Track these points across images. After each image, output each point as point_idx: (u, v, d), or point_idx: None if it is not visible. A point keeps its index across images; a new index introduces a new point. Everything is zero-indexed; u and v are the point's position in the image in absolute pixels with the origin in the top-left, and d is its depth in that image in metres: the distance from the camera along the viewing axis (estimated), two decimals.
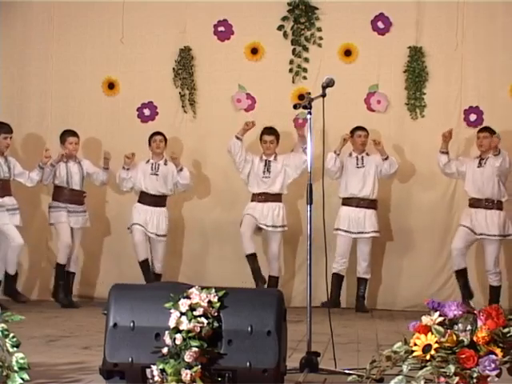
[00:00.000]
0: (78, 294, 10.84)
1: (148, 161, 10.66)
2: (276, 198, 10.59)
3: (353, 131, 10.42)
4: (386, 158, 10.36)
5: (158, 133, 10.61)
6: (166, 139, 10.62)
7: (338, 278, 10.41)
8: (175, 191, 10.74)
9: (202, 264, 10.93)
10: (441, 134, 10.23)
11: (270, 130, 10.54)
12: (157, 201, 10.64)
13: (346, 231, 10.42)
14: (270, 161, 10.57)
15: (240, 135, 10.40)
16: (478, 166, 10.31)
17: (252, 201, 10.57)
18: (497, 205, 10.27)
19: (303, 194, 6.51)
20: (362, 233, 10.43)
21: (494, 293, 10.14)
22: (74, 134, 10.48)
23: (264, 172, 10.57)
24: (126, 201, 10.85)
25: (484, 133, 10.27)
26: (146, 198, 10.62)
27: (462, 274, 10.24)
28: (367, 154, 10.51)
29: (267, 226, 10.49)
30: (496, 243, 10.15)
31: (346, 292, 10.55)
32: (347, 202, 10.49)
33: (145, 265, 10.54)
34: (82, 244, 10.72)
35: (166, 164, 10.66)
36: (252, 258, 10.44)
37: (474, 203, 10.30)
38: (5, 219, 10.00)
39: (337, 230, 10.38)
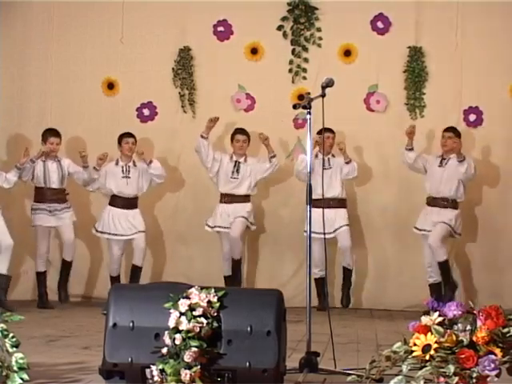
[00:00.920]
0: (81, 294, 10.87)
1: (117, 163, 10.62)
2: (244, 198, 10.62)
3: (319, 133, 10.42)
4: (348, 162, 10.39)
5: (131, 134, 10.53)
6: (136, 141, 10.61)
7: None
8: (150, 187, 10.69)
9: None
10: (405, 131, 10.31)
11: (242, 130, 10.59)
12: (130, 203, 10.60)
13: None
14: (239, 162, 10.58)
15: (205, 134, 10.41)
16: (439, 166, 10.37)
17: (220, 201, 10.61)
18: (452, 204, 10.34)
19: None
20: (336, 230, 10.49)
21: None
22: (56, 134, 10.39)
23: (233, 173, 10.58)
24: None
25: (449, 133, 10.32)
26: (119, 201, 10.57)
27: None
28: (333, 156, 10.53)
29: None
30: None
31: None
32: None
33: (116, 280, 10.54)
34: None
35: (135, 165, 10.62)
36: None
37: (431, 202, 10.37)
38: None
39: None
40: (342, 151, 10.37)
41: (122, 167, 10.57)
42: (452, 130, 10.32)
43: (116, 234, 10.50)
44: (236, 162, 10.62)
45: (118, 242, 10.55)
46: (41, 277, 10.46)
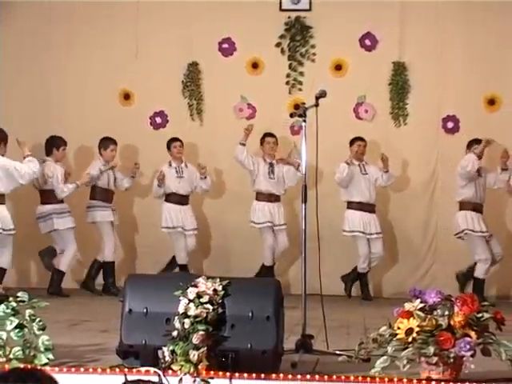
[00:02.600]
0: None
1: (170, 164, 10.57)
2: (277, 198, 10.58)
3: (352, 141, 10.42)
4: (387, 171, 10.35)
5: (177, 139, 10.55)
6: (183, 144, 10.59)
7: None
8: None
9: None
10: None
11: (271, 134, 10.50)
12: (184, 199, 10.55)
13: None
14: (273, 163, 10.55)
15: (244, 141, 10.36)
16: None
17: (257, 199, 10.52)
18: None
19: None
20: None
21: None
22: (115, 142, 10.39)
23: (269, 173, 10.53)
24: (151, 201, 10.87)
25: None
26: (174, 198, 10.51)
27: None
28: (366, 163, 10.51)
29: (276, 225, 10.48)
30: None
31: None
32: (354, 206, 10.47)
33: (185, 268, 10.45)
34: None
35: (187, 167, 10.61)
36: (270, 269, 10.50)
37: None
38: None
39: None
40: (383, 161, 10.31)
41: (176, 168, 10.53)
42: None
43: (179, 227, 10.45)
44: (270, 163, 10.53)
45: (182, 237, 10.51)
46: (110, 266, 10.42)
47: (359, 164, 10.42)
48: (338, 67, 10.96)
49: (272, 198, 10.52)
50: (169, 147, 10.53)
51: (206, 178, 10.46)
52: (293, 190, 10.33)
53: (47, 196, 10.12)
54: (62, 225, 10.09)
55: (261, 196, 10.52)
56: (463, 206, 10.09)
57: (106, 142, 10.33)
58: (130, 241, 11.09)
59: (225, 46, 11.08)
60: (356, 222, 10.34)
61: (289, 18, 10.99)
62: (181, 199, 10.52)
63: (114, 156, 10.40)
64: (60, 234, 10.12)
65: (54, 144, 10.19)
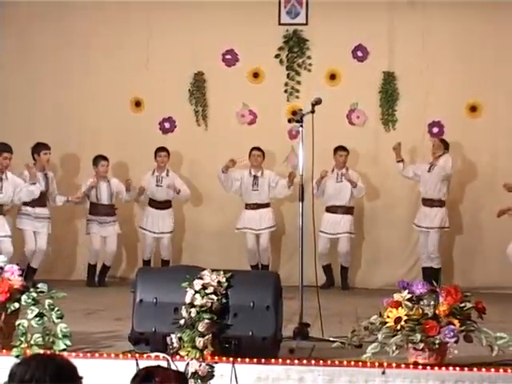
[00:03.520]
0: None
1: (153, 173, 10.59)
2: (265, 205, 10.55)
3: (335, 151, 10.46)
4: (355, 187, 10.36)
5: (164, 149, 10.57)
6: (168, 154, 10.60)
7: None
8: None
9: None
10: (393, 148, 10.32)
11: (258, 148, 10.48)
12: (163, 204, 10.60)
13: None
14: (257, 176, 10.54)
15: (225, 170, 10.35)
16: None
17: (246, 209, 10.55)
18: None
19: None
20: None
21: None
22: (104, 158, 10.35)
23: (253, 185, 10.52)
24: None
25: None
26: (153, 203, 10.58)
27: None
28: (346, 171, 10.50)
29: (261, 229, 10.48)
30: None
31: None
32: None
33: (147, 263, 10.55)
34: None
35: (168, 175, 10.59)
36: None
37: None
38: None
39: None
40: (349, 181, 10.32)
41: (157, 176, 10.56)
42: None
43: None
44: (254, 176, 10.51)
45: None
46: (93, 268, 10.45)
47: (337, 172, 10.44)
48: (332, 76, 10.96)
49: (256, 206, 10.51)
50: (155, 155, 10.56)
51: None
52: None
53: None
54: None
55: (247, 206, 10.56)
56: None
57: (97, 159, 10.34)
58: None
59: (228, 56, 11.08)
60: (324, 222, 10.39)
61: (287, 31, 10.98)
62: (159, 205, 10.56)
63: (105, 171, 10.34)
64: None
65: (36, 150, 10.07)
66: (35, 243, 10.04)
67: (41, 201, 10.02)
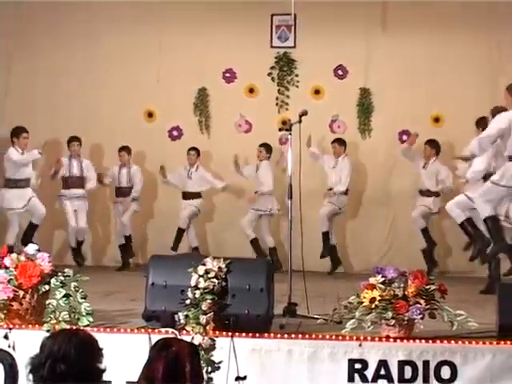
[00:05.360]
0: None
1: (185, 167, 10.55)
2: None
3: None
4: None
5: (194, 148, 10.54)
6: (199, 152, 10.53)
7: None
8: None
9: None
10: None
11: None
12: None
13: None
14: (258, 167, 10.42)
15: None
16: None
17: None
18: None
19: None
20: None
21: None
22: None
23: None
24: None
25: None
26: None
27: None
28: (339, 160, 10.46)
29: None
30: None
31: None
32: None
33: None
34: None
35: (196, 170, 10.53)
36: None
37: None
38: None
39: None
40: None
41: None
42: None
43: None
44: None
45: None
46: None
47: (335, 160, 10.41)
48: (317, 92, 10.97)
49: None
50: (187, 153, 10.51)
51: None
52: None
53: None
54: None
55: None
56: None
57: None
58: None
59: (227, 74, 11.08)
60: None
61: (278, 53, 10.98)
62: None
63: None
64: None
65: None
66: (76, 221, 10.05)
67: (77, 183, 10.08)
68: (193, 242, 10.55)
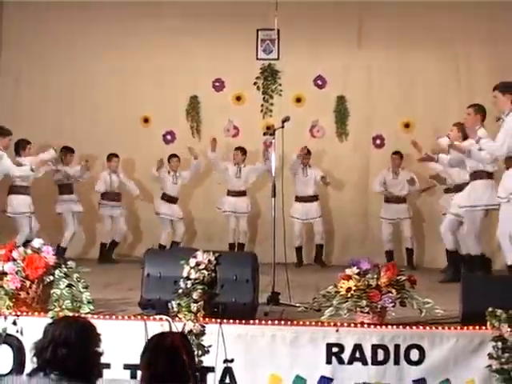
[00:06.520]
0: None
1: (169, 172, 10.44)
2: (243, 192, 10.40)
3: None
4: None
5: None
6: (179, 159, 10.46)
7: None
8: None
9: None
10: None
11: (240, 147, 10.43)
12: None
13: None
14: (240, 167, 10.40)
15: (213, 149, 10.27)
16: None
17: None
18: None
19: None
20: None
21: None
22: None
23: (236, 174, 10.38)
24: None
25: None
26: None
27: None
28: (309, 166, 10.45)
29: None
30: None
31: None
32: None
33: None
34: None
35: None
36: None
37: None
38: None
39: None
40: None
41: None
42: None
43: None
44: (239, 168, 10.40)
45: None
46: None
47: (303, 168, 10.33)
48: (298, 100, 10.97)
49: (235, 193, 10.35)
50: (168, 160, 10.42)
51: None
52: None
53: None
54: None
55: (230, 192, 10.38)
56: None
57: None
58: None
59: (217, 84, 11.06)
60: (298, 210, 10.25)
61: (263, 64, 10.96)
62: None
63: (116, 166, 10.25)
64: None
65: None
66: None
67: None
68: (178, 238, 10.46)
